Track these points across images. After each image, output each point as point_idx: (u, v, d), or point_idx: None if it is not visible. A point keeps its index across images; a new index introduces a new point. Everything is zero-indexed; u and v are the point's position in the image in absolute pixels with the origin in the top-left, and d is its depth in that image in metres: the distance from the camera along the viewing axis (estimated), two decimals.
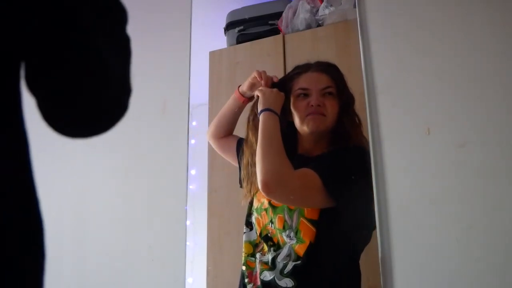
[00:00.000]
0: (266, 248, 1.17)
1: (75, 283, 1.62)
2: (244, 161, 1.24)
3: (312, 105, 1.17)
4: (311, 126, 1.18)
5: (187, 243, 1.53)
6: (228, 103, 1.37)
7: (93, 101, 0.45)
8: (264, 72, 1.27)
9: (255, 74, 1.27)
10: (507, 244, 1.11)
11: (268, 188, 1.06)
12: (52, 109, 0.45)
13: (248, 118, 1.29)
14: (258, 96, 1.24)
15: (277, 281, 1.10)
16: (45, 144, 1.76)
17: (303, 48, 1.69)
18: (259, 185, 1.08)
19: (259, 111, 1.20)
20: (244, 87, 1.32)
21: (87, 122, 0.48)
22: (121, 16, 0.48)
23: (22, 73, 0.43)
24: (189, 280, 1.55)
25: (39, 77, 0.43)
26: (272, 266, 1.12)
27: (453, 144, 1.21)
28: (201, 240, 1.69)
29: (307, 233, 1.09)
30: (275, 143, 1.13)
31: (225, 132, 1.38)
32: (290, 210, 1.12)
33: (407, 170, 1.25)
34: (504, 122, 1.19)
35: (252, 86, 1.29)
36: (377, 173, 1.26)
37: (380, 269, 1.21)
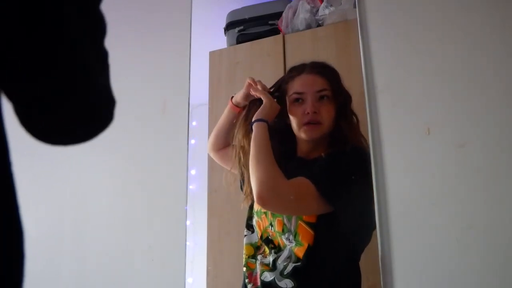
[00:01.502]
0: (267, 250, 1.17)
1: (75, 283, 1.62)
2: (241, 163, 1.24)
3: (308, 113, 1.17)
4: (308, 135, 1.19)
5: (187, 243, 1.53)
6: (224, 115, 1.37)
7: (71, 109, 0.45)
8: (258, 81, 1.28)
9: (249, 81, 1.27)
10: (507, 244, 1.11)
11: (263, 200, 1.08)
12: (29, 116, 0.45)
13: (239, 122, 1.29)
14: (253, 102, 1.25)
15: (277, 282, 1.10)
16: (46, 144, 1.76)
17: (303, 48, 1.69)
18: (255, 197, 1.09)
19: (252, 120, 1.20)
20: (238, 98, 1.32)
21: (67, 130, 0.47)
22: (102, 27, 0.48)
23: None
24: (189, 280, 1.55)
25: (15, 83, 0.42)
26: (272, 267, 1.13)
27: (453, 144, 1.21)
28: (201, 240, 1.69)
29: (306, 236, 1.10)
30: (267, 154, 1.13)
31: (224, 143, 1.39)
32: None
33: (407, 170, 1.25)
34: (504, 122, 1.19)
35: (247, 96, 1.29)
36: (377, 173, 1.26)
37: (380, 269, 1.21)
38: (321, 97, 1.19)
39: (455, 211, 1.17)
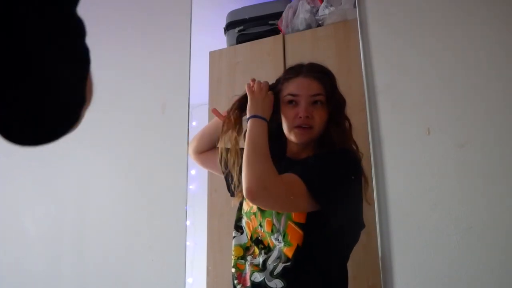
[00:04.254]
0: (257, 251, 1.17)
1: (75, 283, 1.62)
2: (230, 163, 1.24)
3: (300, 117, 1.16)
4: (298, 138, 1.18)
5: (187, 243, 1.54)
6: (212, 122, 1.36)
7: (36, 109, 0.45)
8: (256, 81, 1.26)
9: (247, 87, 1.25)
10: (507, 244, 1.12)
11: (252, 195, 1.07)
12: None
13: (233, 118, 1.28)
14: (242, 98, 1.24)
15: (267, 282, 1.10)
16: (46, 145, 1.76)
17: (303, 48, 1.69)
18: (244, 192, 1.08)
19: (247, 117, 1.20)
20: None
21: (31, 130, 0.48)
22: (76, 28, 0.48)
23: None
24: (189, 280, 1.55)
25: None
26: (262, 268, 1.13)
27: (453, 144, 1.21)
28: (201, 240, 1.69)
29: (294, 236, 1.09)
30: (261, 150, 1.12)
31: (208, 147, 1.38)
32: (278, 213, 1.12)
33: (407, 170, 1.25)
34: (504, 122, 1.19)
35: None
36: (377, 173, 1.26)
37: (380, 269, 1.21)
38: (315, 102, 1.18)
39: (455, 211, 1.17)
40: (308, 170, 1.11)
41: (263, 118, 1.18)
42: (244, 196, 1.09)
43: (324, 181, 1.10)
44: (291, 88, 1.20)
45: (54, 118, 0.48)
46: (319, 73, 1.21)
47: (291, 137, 1.19)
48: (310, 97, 1.18)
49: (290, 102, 1.19)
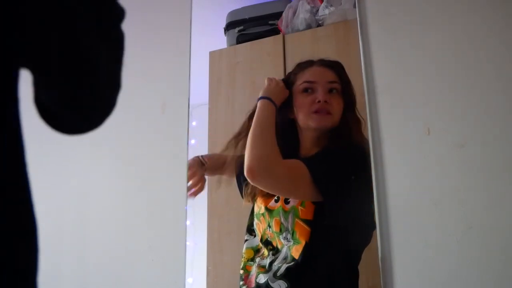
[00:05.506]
0: (266, 252, 1.17)
1: (75, 283, 1.62)
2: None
3: (319, 101, 1.15)
4: (317, 122, 1.16)
5: (187, 243, 1.53)
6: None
7: (81, 97, 0.46)
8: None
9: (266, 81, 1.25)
10: (507, 244, 1.11)
11: (253, 173, 1.07)
12: (45, 105, 0.46)
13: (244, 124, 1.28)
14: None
15: (270, 283, 1.09)
16: (45, 144, 1.76)
17: (303, 48, 1.69)
18: (245, 171, 1.07)
19: (258, 97, 1.19)
20: None
21: (77, 119, 0.48)
22: (117, 13, 0.48)
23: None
24: (189, 280, 1.55)
25: (32, 73, 0.43)
26: (268, 269, 1.12)
27: (453, 144, 1.21)
28: (201, 240, 1.69)
29: (303, 233, 1.09)
30: (266, 131, 1.12)
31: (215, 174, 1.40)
32: (285, 212, 1.11)
33: (407, 170, 1.25)
34: (504, 122, 1.19)
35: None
36: (377, 173, 1.26)
37: (380, 269, 1.21)
38: (331, 90, 1.18)
39: (455, 211, 1.17)
40: (314, 161, 1.10)
41: (273, 102, 1.17)
42: (245, 175, 1.08)
43: (330, 173, 1.09)
44: (306, 76, 1.20)
45: (97, 105, 0.48)
46: (332, 62, 1.22)
47: (309, 122, 1.17)
48: (327, 83, 1.17)
49: (306, 90, 1.19)
